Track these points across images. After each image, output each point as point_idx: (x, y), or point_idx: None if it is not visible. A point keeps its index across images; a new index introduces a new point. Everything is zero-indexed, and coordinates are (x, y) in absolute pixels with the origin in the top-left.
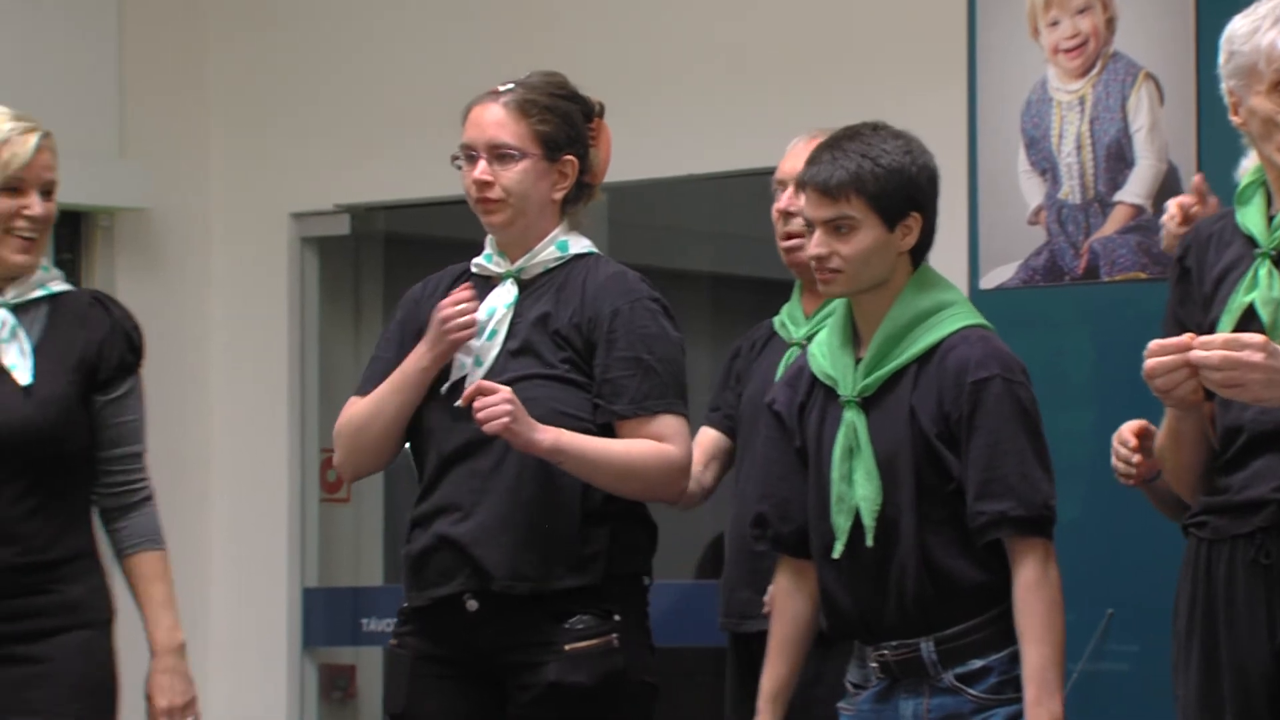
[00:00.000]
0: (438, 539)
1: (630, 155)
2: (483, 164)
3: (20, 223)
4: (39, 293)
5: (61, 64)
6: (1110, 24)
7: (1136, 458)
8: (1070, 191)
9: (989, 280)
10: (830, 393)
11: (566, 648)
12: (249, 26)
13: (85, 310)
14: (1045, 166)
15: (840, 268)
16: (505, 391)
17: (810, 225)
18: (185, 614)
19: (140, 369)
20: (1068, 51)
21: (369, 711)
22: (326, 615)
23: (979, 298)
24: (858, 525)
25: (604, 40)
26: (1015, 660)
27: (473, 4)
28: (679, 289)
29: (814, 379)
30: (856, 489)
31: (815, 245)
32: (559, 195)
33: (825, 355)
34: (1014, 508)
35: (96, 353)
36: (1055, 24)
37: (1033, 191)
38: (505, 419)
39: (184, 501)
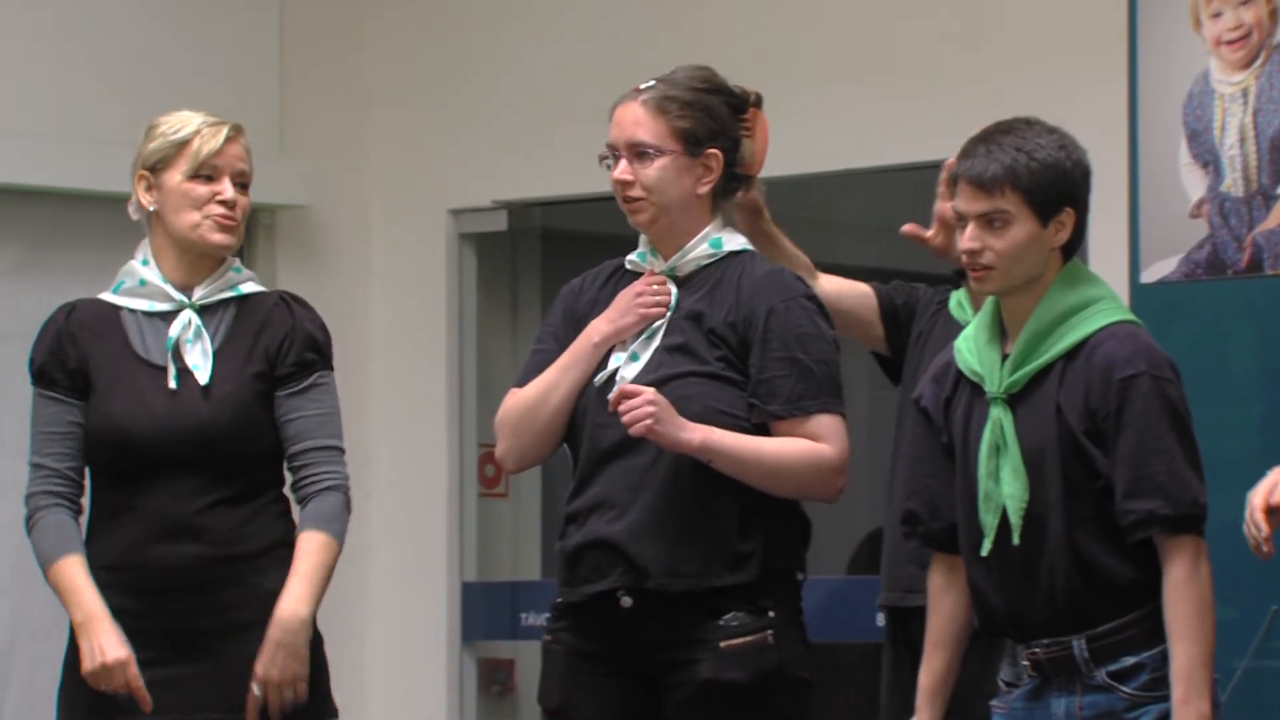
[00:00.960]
0: (593, 536)
1: (787, 150)
2: (623, 163)
3: (215, 207)
4: (227, 294)
5: (223, 63)
6: (1273, 15)
7: (1266, 533)
8: (1233, 184)
9: (1150, 274)
10: (976, 389)
11: (722, 644)
12: (408, 25)
13: (270, 310)
14: (1207, 159)
15: (993, 263)
16: (649, 393)
17: (962, 219)
18: (345, 609)
19: (327, 367)
20: (1230, 43)
21: (528, 705)
22: (485, 610)
23: (1140, 292)
24: (1005, 523)
25: (760, 34)
26: (1167, 657)
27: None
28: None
29: (960, 374)
30: (1003, 487)
31: (968, 240)
32: (704, 190)
33: (972, 351)
34: (1162, 506)
35: (276, 350)
36: (1217, 16)
37: (1194, 184)
38: (649, 420)
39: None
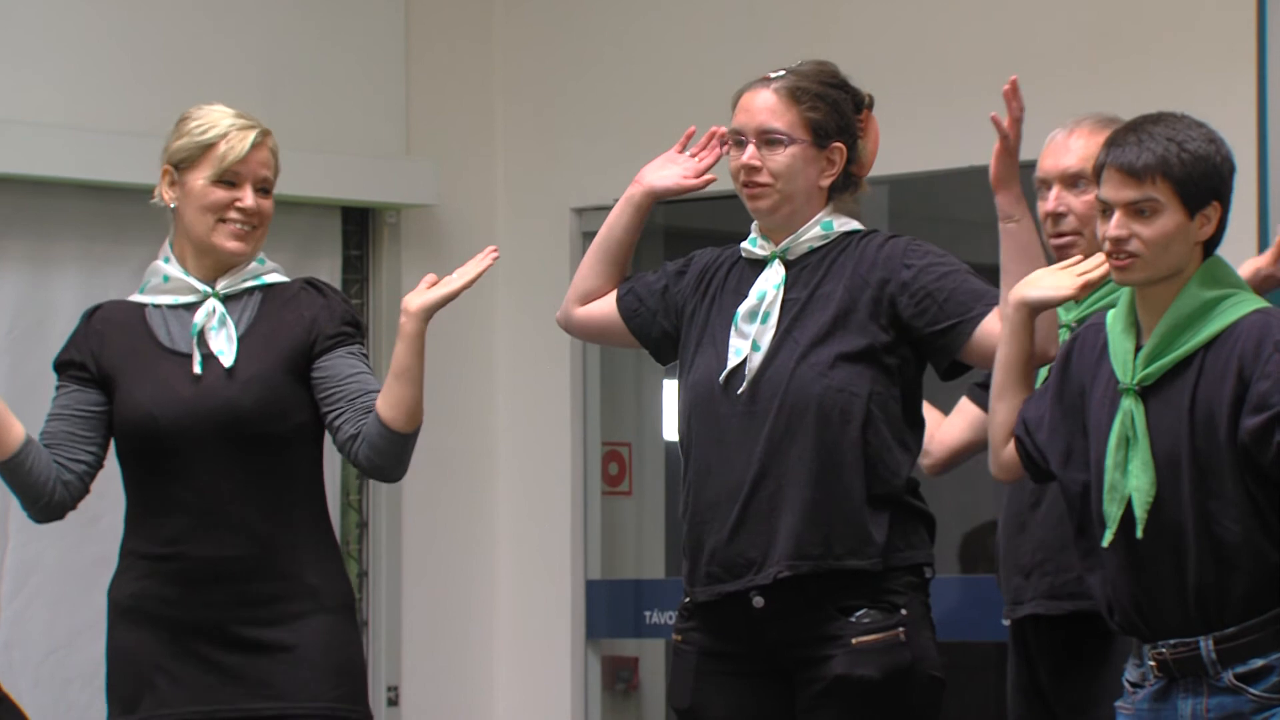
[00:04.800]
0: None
1: (912, 147)
2: (751, 149)
3: (233, 214)
4: (251, 283)
5: (350, 66)
6: None
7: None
8: None
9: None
10: (1113, 378)
11: (854, 641)
12: (534, 24)
13: (295, 294)
14: None
15: (1138, 251)
16: None
17: (1107, 208)
18: (471, 606)
19: (362, 342)
20: None
21: (652, 703)
22: (609, 607)
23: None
24: (1129, 515)
25: (885, 33)
26: None
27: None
28: None
29: (1105, 355)
30: (1130, 479)
31: (1115, 227)
32: (826, 182)
33: (1114, 333)
34: None
35: (308, 327)
36: None
37: None
38: None
39: (468, 495)
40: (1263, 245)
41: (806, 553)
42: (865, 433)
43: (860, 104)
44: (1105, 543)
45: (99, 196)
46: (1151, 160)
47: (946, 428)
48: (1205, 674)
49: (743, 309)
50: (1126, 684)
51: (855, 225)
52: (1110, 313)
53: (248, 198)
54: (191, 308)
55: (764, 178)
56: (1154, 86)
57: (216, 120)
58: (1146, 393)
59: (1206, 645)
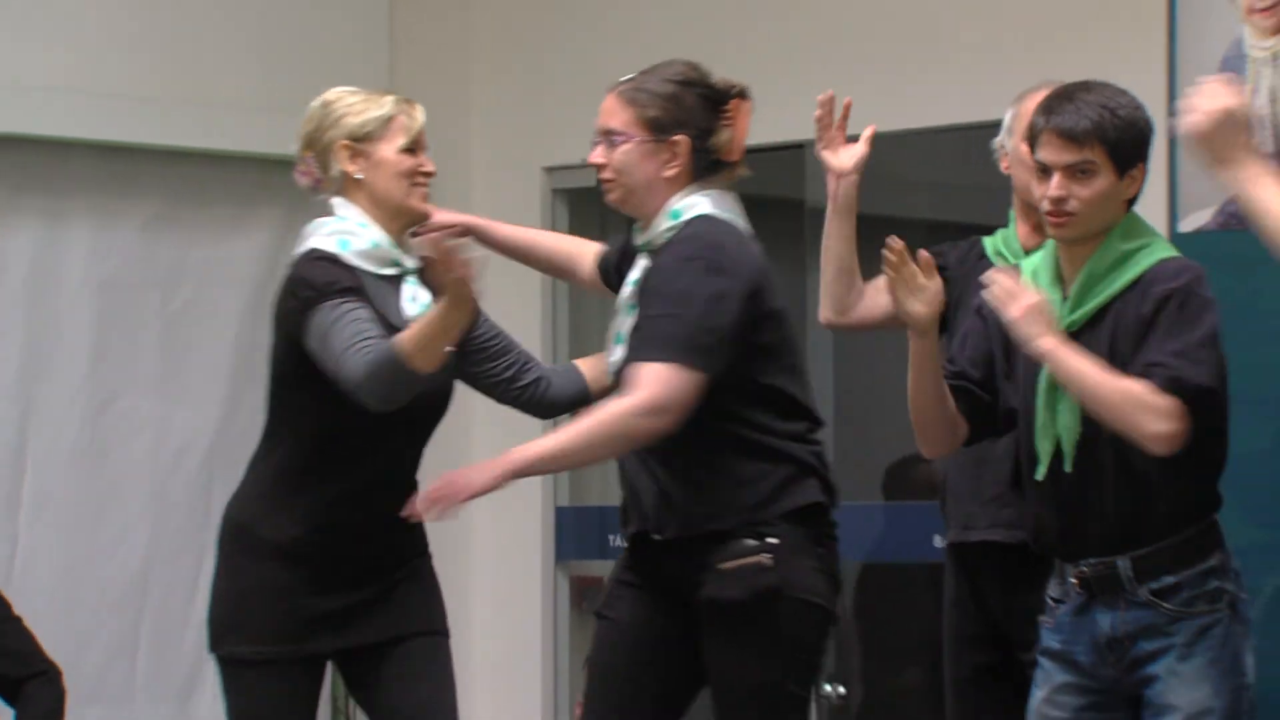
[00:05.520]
0: (630, 492)
1: (857, 110)
2: (600, 147)
3: (420, 178)
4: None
5: (337, 35)
6: None
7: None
8: (1264, 142)
9: (1188, 224)
10: None
11: (720, 566)
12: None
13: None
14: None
15: (1076, 210)
16: (431, 491)
17: (1045, 169)
18: (448, 533)
19: None
20: (1261, 11)
21: None
22: (577, 532)
23: (1179, 241)
24: (1059, 450)
25: (835, 7)
26: (1205, 576)
27: None
28: (902, 233)
29: None
30: (1059, 419)
31: (1055, 188)
32: (670, 173)
33: (1036, 289)
34: (1165, 368)
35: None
36: (1272, 7)
37: None
38: (437, 512)
39: (445, 428)
40: (1172, 198)
41: (689, 524)
42: (714, 411)
43: (721, 97)
44: (1039, 476)
45: (107, 155)
46: (1089, 126)
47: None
48: (1122, 590)
49: (618, 301)
50: (1049, 600)
51: (701, 209)
52: (1029, 267)
53: (428, 162)
54: (390, 280)
55: (608, 174)
56: (1076, 53)
57: (378, 97)
58: (1073, 338)
59: (1124, 564)
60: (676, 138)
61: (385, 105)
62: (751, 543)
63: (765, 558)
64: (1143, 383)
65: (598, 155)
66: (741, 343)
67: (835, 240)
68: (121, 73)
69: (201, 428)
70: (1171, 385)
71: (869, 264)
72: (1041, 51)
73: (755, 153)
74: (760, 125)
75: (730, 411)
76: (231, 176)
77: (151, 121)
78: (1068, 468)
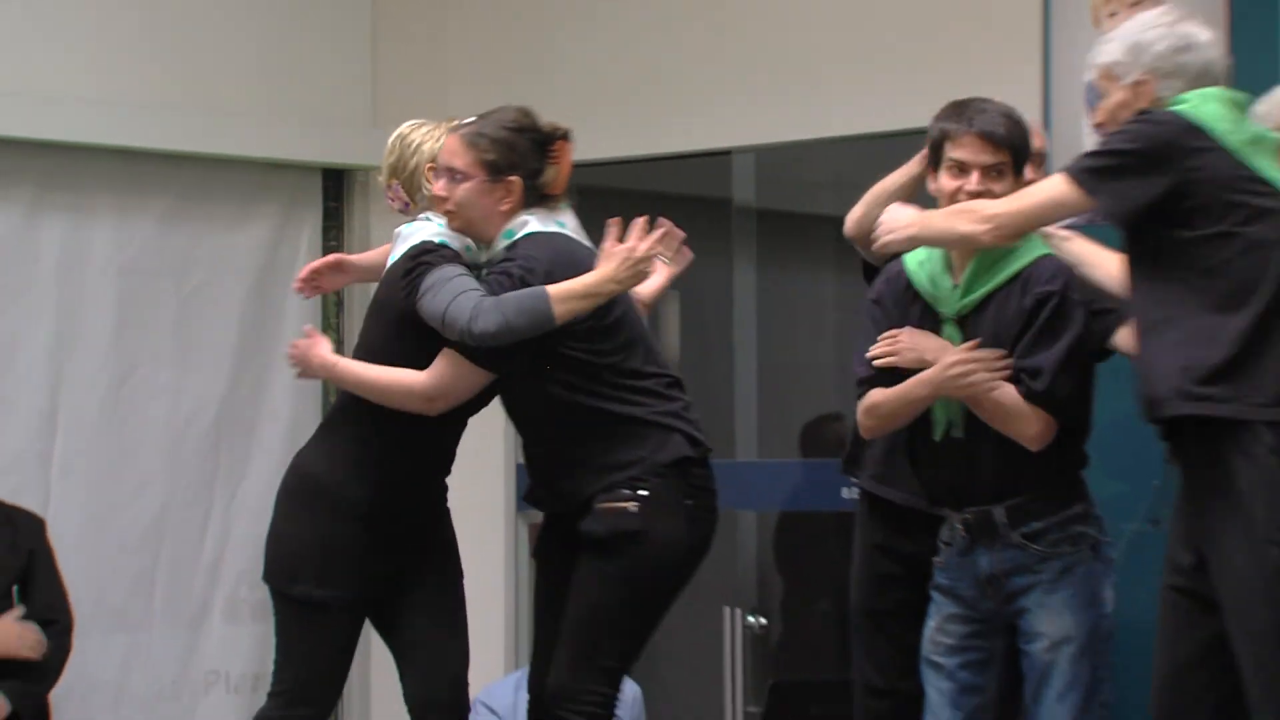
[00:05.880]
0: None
1: (775, 122)
2: (443, 182)
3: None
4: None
5: (326, 52)
6: None
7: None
8: None
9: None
10: (928, 306)
11: (595, 506)
12: (484, 17)
13: None
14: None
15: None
16: (295, 346)
17: (963, 168)
18: None
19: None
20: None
21: None
22: None
23: None
24: (952, 418)
25: (761, 27)
26: (1068, 522)
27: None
28: (816, 229)
29: (916, 293)
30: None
31: (976, 185)
32: (505, 208)
33: (926, 277)
34: (1031, 379)
35: None
36: (1114, 15)
37: None
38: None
39: None
40: None
41: (557, 495)
42: (568, 395)
43: (549, 139)
44: (936, 438)
45: (126, 159)
46: (1005, 132)
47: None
48: (998, 534)
49: None
50: (940, 544)
51: (530, 227)
52: (913, 261)
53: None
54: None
55: (450, 206)
56: (964, 72)
57: (445, 125)
58: (962, 320)
59: (999, 512)
60: (511, 178)
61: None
62: (626, 492)
63: (632, 505)
64: (1017, 391)
65: (441, 189)
66: (558, 336)
67: (900, 189)
68: (139, 86)
69: (209, 395)
70: (1041, 398)
71: (783, 257)
72: (942, 73)
73: (688, 158)
74: (692, 133)
75: (582, 394)
76: (234, 178)
77: (165, 129)
78: (960, 433)
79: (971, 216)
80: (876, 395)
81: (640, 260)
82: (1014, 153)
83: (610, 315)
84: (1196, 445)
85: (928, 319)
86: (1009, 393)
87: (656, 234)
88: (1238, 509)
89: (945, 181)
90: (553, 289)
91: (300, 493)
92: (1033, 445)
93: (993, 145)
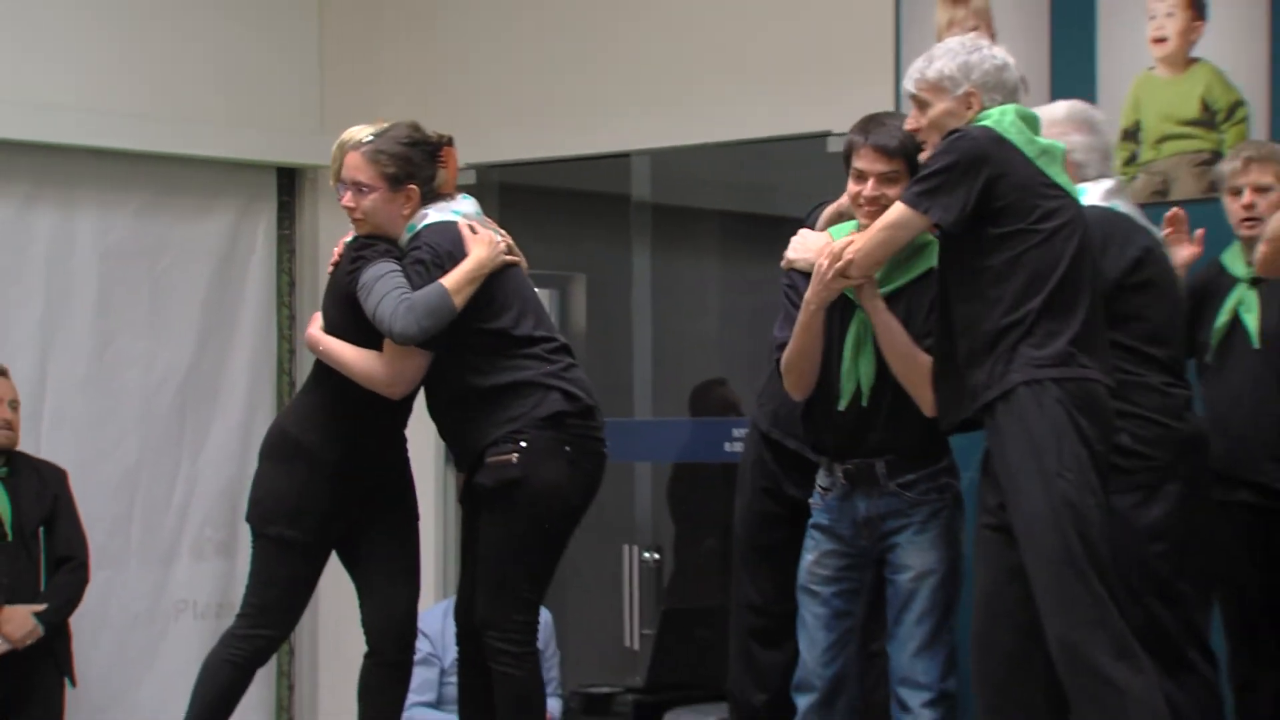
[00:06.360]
0: None
1: (667, 126)
2: (349, 194)
3: None
4: None
5: (278, 67)
6: (994, 39)
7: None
8: None
9: None
10: (844, 296)
11: (485, 460)
12: (414, 35)
13: None
14: None
15: (890, 203)
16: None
17: (863, 175)
18: None
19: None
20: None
21: None
22: None
23: None
24: (859, 391)
25: (656, 41)
26: (936, 475)
27: (556, 15)
28: (703, 222)
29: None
30: (860, 368)
31: (873, 189)
32: (406, 212)
33: None
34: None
35: None
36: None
37: None
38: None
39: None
40: None
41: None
42: (462, 365)
43: (437, 148)
44: (841, 407)
45: (106, 158)
46: (897, 144)
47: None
48: (878, 483)
49: None
50: (819, 488)
51: (427, 220)
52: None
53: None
54: None
55: (359, 215)
56: (825, 89)
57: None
58: None
59: (880, 465)
60: (410, 186)
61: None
62: (509, 445)
63: (514, 456)
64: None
65: (348, 200)
66: (467, 313)
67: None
68: (118, 97)
69: (177, 363)
70: None
71: (674, 245)
72: (810, 87)
73: (594, 160)
74: (598, 139)
75: (472, 362)
76: (200, 175)
77: (140, 133)
78: (864, 403)
79: (849, 251)
80: (785, 352)
81: (500, 244)
82: (908, 160)
83: (502, 290)
84: (1002, 404)
85: (842, 306)
86: (927, 362)
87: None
88: (1033, 451)
89: (850, 186)
90: (447, 281)
91: (281, 449)
92: (929, 413)
93: (886, 156)
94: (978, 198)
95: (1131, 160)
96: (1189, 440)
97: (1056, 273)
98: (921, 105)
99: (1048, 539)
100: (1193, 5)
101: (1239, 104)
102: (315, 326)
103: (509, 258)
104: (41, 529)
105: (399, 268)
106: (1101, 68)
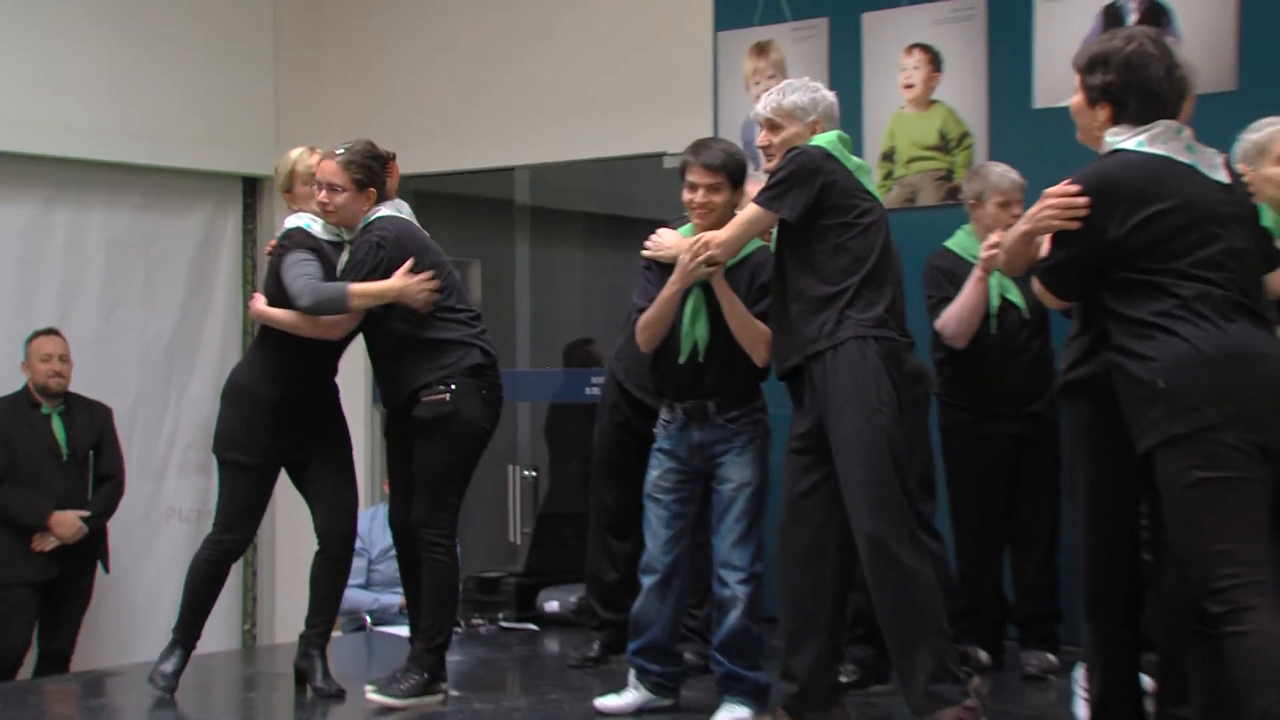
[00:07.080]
0: None
1: (544, 144)
2: (324, 192)
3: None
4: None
5: (241, 94)
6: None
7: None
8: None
9: None
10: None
11: (421, 398)
12: (350, 73)
13: None
14: (754, 154)
15: (714, 208)
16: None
17: (695, 186)
18: None
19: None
20: (759, 98)
21: None
22: None
23: None
24: (695, 348)
25: (539, 71)
26: (753, 411)
27: (463, 57)
28: (570, 221)
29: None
30: (697, 330)
31: (700, 198)
32: (365, 208)
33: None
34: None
35: None
36: (758, 83)
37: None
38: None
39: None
40: None
41: (396, 392)
42: (404, 324)
43: (385, 161)
44: (681, 361)
45: (110, 169)
46: (719, 161)
47: None
48: (708, 418)
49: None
50: (662, 421)
51: (378, 213)
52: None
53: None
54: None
55: (331, 209)
56: (652, 118)
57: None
58: (705, 287)
59: (711, 404)
60: (370, 189)
61: (299, 157)
62: (441, 387)
63: (446, 395)
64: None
65: (324, 197)
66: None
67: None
68: (116, 120)
69: (166, 326)
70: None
71: (548, 239)
72: (636, 117)
73: (486, 172)
74: (490, 154)
75: (415, 324)
76: (181, 183)
77: (135, 149)
78: (701, 359)
79: (714, 243)
80: (644, 315)
81: (417, 287)
82: (729, 174)
83: (443, 272)
84: (832, 353)
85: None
86: (758, 325)
87: (425, 275)
88: (858, 389)
89: (685, 195)
90: (355, 287)
91: (233, 393)
92: (762, 364)
93: (711, 171)
94: (814, 196)
95: (889, 176)
96: (913, 375)
97: (872, 257)
98: (774, 128)
99: (867, 457)
100: (932, 60)
101: (966, 134)
102: (260, 303)
103: (422, 297)
104: (91, 453)
105: (309, 256)
106: (866, 107)
